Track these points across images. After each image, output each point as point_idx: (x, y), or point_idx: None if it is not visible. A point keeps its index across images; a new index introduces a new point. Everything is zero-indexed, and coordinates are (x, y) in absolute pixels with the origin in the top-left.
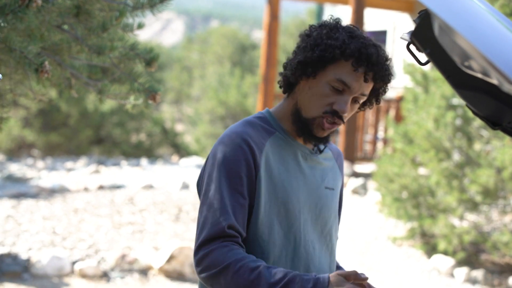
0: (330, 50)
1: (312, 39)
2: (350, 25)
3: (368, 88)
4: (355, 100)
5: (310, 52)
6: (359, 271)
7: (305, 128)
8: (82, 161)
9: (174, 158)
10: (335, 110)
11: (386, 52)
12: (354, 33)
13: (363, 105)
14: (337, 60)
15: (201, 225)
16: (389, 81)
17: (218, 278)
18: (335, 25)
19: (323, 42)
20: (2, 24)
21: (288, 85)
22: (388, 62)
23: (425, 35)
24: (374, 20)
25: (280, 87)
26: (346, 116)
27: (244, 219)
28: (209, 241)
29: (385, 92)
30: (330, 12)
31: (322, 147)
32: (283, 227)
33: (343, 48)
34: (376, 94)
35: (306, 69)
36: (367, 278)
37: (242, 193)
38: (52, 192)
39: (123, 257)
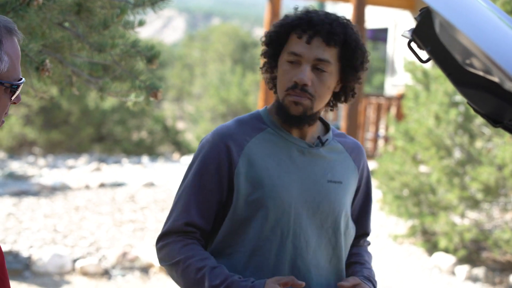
0: (276, 34)
1: (265, 33)
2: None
3: (323, 52)
4: (317, 68)
5: (264, 47)
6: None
7: (283, 113)
8: (83, 158)
9: (175, 155)
10: (295, 82)
11: (338, 17)
12: (302, 10)
13: (347, 79)
14: (287, 38)
15: (167, 218)
16: (344, 42)
17: (171, 271)
18: (291, 12)
19: (270, 32)
20: None
21: (271, 83)
22: (335, 23)
23: (426, 33)
24: (375, 17)
25: (270, 88)
26: (313, 87)
27: (209, 214)
28: (167, 234)
29: (357, 59)
30: (332, 10)
31: (324, 139)
32: (269, 221)
33: (285, 25)
34: (349, 63)
35: (269, 62)
36: (303, 284)
37: (212, 190)
38: (53, 190)
39: (124, 255)
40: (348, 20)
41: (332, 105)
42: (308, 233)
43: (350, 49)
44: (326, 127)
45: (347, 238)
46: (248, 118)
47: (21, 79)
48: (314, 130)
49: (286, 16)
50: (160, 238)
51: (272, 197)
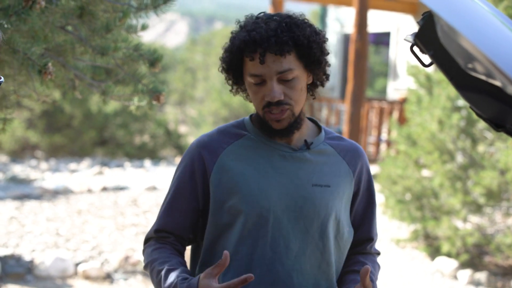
0: (230, 60)
1: (220, 60)
2: (260, 14)
3: (281, 64)
4: (284, 80)
5: (225, 74)
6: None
7: (268, 128)
8: (85, 162)
9: (178, 160)
10: (268, 102)
11: (281, 19)
12: (247, 24)
13: (314, 71)
14: (241, 62)
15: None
16: (295, 45)
17: (148, 273)
18: (236, 31)
19: (224, 59)
20: (5, 26)
21: (248, 98)
22: (280, 31)
23: (428, 37)
24: (378, 21)
25: (250, 101)
26: (286, 97)
27: (185, 220)
28: (146, 241)
29: (314, 54)
30: (334, 14)
31: (309, 142)
32: (246, 226)
33: (234, 50)
34: (308, 59)
35: (236, 85)
36: (251, 277)
37: (186, 197)
38: (55, 194)
39: (126, 258)
40: (290, 17)
41: (312, 93)
42: (290, 238)
43: (304, 47)
44: (319, 129)
45: (339, 243)
46: (229, 126)
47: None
48: (303, 133)
49: (233, 37)
50: (143, 244)
51: (248, 202)
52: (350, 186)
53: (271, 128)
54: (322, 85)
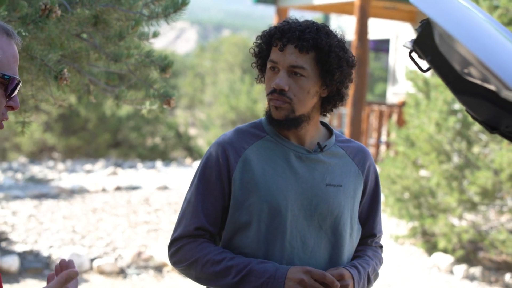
0: (259, 45)
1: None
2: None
3: (297, 59)
4: (295, 74)
5: (253, 58)
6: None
7: (268, 117)
8: (100, 163)
9: (188, 160)
10: (273, 88)
11: (313, 24)
12: (287, 20)
13: (327, 83)
14: (269, 48)
15: (177, 223)
16: (316, 47)
17: (189, 270)
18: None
19: (255, 44)
20: (23, 34)
21: None
22: (307, 30)
23: (426, 43)
24: (377, 29)
25: None
26: (291, 91)
27: (215, 217)
28: (179, 239)
29: (331, 63)
30: (336, 22)
31: (323, 145)
32: (266, 223)
33: (265, 36)
34: (324, 67)
35: (260, 71)
36: (335, 282)
37: (215, 196)
38: (71, 193)
39: (139, 254)
40: (323, 26)
41: (324, 110)
42: (305, 234)
43: (324, 53)
44: (331, 133)
45: (350, 238)
46: (248, 127)
47: (18, 79)
48: (315, 135)
49: (269, 27)
50: (172, 243)
51: (267, 201)
52: (360, 185)
53: (271, 117)
54: (334, 105)
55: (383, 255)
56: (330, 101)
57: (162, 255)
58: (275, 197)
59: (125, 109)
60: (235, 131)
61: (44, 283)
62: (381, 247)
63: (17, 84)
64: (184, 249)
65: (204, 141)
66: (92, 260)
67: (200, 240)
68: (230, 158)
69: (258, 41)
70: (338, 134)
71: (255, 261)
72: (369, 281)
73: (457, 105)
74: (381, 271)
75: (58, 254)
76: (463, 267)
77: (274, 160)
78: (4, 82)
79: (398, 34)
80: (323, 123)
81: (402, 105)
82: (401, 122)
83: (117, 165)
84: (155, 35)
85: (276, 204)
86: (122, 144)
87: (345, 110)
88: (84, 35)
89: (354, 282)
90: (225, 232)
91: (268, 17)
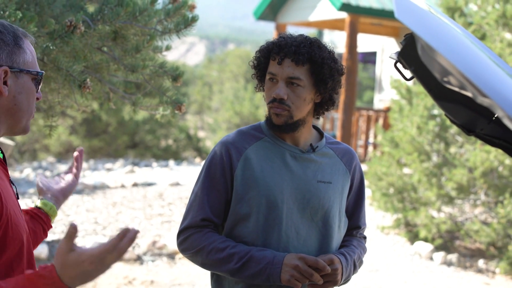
0: (258, 58)
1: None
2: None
3: (294, 71)
4: (292, 84)
5: (253, 70)
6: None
7: (270, 122)
8: (119, 162)
9: (197, 160)
10: (273, 98)
11: (307, 38)
12: (283, 36)
13: (321, 90)
14: (267, 61)
15: (184, 215)
16: (310, 60)
17: (196, 257)
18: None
19: (255, 57)
20: (51, 47)
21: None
22: (302, 45)
23: (410, 55)
24: (365, 43)
25: None
26: (289, 100)
27: (219, 209)
28: (187, 229)
29: (324, 74)
30: (329, 37)
31: (315, 146)
32: (264, 215)
33: (263, 50)
34: (318, 77)
35: (259, 82)
36: (326, 267)
37: (219, 190)
38: (94, 189)
39: (154, 243)
40: (316, 40)
41: (317, 114)
42: (299, 225)
43: (317, 65)
44: (322, 135)
45: (338, 229)
46: (249, 129)
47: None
48: (308, 137)
49: (266, 43)
50: (181, 233)
51: (266, 195)
52: (347, 182)
53: (272, 123)
54: (327, 109)
55: (366, 245)
56: (323, 106)
57: (174, 244)
58: (272, 192)
59: (141, 114)
60: (237, 133)
61: None
62: (365, 238)
63: (41, 78)
64: (192, 238)
65: (211, 143)
66: None
67: (206, 230)
68: (233, 157)
69: (257, 55)
70: (328, 137)
71: (255, 249)
72: (355, 267)
73: (436, 110)
74: (369, 257)
75: (82, 243)
76: (441, 254)
77: (272, 159)
78: (37, 78)
79: (384, 47)
80: (315, 127)
81: (387, 110)
82: (386, 126)
83: (134, 164)
84: (168, 48)
85: (273, 198)
86: (139, 145)
87: (337, 115)
88: (105, 49)
89: (342, 267)
90: (227, 223)
91: (268, 33)
